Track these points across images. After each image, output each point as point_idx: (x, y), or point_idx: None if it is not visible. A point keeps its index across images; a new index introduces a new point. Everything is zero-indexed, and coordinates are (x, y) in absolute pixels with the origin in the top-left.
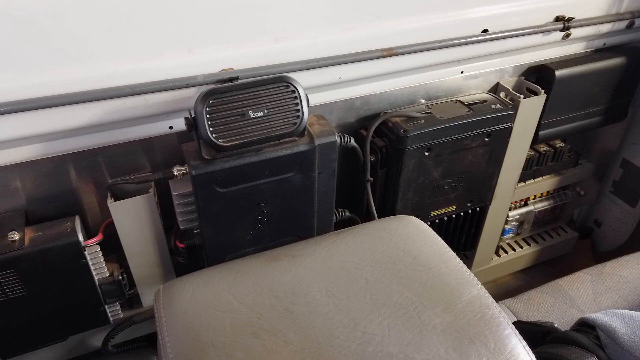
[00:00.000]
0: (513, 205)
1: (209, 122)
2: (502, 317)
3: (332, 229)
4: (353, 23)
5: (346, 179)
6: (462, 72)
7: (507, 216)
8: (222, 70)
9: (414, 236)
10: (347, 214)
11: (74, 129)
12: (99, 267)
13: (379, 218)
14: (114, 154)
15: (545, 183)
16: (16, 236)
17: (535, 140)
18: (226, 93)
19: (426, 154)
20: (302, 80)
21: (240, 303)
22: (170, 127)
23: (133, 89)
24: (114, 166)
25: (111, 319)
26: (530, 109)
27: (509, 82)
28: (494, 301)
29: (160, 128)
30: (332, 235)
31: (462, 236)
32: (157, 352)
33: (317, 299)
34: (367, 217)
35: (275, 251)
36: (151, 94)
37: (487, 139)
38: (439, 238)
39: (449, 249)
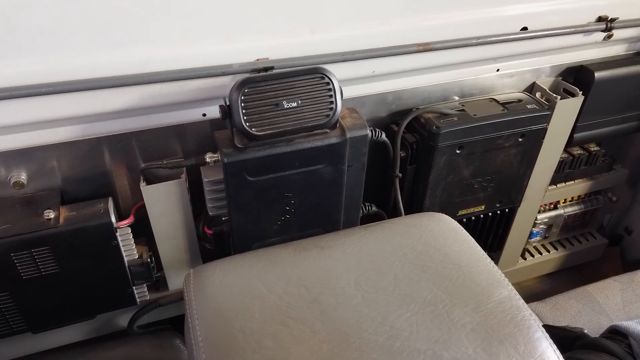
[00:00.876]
0: (542, 208)
1: (244, 111)
2: (533, 320)
3: (358, 223)
4: (390, 17)
5: (374, 174)
6: (497, 70)
7: (536, 219)
8: (257, 60)
9: (444, 234)
10: (374, 208)
11: (111, 112)
12: (129, 248)
13: (405, 214)
14: (147, 138)
15: (577, 187)
16: (52, 214)
17: (570, 142)
18: (261, 82)
19: (457, 151)
20: (336, 72)
21: (269, 291)
22: (204, 115)
23: (170, 75)
24: (147, 151)
25: (138, 300)
26: (567, 110)
27: (545, 82)
28: (524, 303)
29: (193, 115)
30: (361, 229)
31: (489, 237)
32: (180, 335)
33: (345, 291)
34: (394, 213)
35: (303, 242)
36: (187, 80)
37: (520, 139)
38: (470, 237)
39: (479, 248)
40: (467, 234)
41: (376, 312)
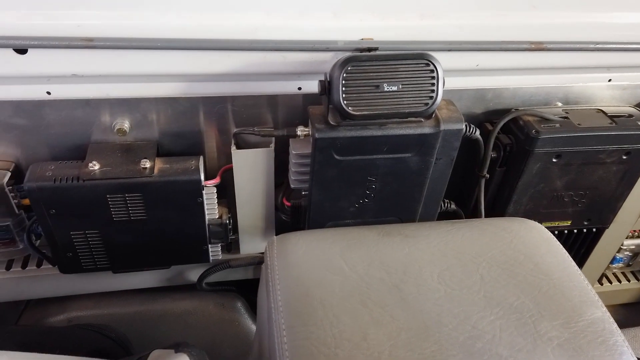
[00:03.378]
0: (631, 233)
1: (343, 88)
2: (626, 347)
3: (435, 219)
4: (506, 10)
5: (457, 170)
6: (609, 80)
7: (622, 244)
8: (362, 39)
9: (537, 242)
10: (452, 206)
11: (214, 74)
12: (212, 207)
13: (487, 217)
14: (242, 104)
15: None
16: (147, 164)
17: None
18: (365, 62)
19: (554, 160)
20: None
21: (351, 269)
22: (299, 88)
23: (277, 44)
24: (240, 116)
25: (211, 258)
26: None
27: None
28: (618, 328)
29: (289, 87)
30: (448, 224)
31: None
32: (242, 298)
33: (428, 282)
34: (473, 214)
35: (387, 227)
36: (291, 52)
37: (624, 157)
38: (564, 250)
39: (574, 263)
40: (561, 246)
41: (459, 309)
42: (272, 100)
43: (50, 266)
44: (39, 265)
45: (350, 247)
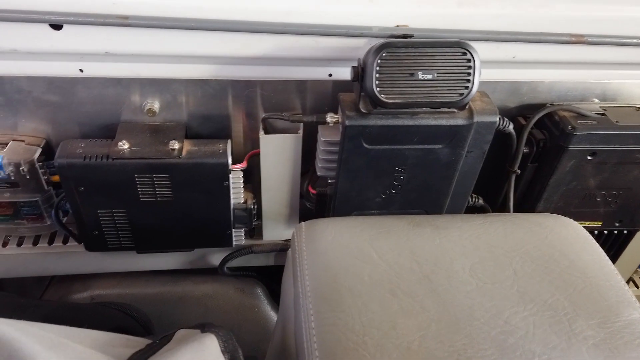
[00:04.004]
0: None
1: (377, 75)
2: None
3: (462, 212)
4: (548, 0)
5: (485, 164)
6: None
7: None
8: (397, 26)
9: (572, 239)
10: (480, 201)
11: (246, 57)
12: (237, 192)
13: (518, 212)
14: (272, 89)
15: None
16: (176, 145)
17: None
18: (401, 49)
19: (589, 158)
20: None
21: (380, 258)
22: (330, 75)
23: (310, 28)
24: (269, 101)
25: (234, 242)
26: None
27: None
28: None
29: (319, 73)
30: (480, 217)
31: None
32: (262, 284)
33: (459, 275)
34: (501, 210)
35: (417, 217)
36: (323, 37)
37: None
38: (600, 249)
39: (610, 262)
40: (597, 244)
41: (491, 303)
42: (301, 85)
43: (76, 243)
44: (65, 242)
45: (379, 235)
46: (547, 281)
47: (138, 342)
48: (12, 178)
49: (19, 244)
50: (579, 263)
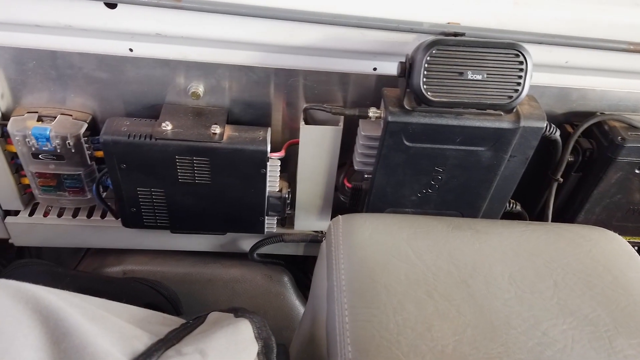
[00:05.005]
0: None
1: (425, 72)
2: None
3: (498, 218)
4: (607, 5)
5: (526, 170)
6: None
7: None
8: (448, 23)
9: (617, 254)
10: (518, 207)
11: (292, 46)
12: (273, 180)
13: (557, 222)
14: (315, 79)
15: None
16: (217, 130)
17: None
18: (452, 47)
19: (637, 171)
20: None
21: (418, 258)
22: (374, 69)
23: (359, 20)
24: (312, 91)
25: (265, 230)
26: None
27: None
28: None
29: (364, 67)
30: (521, 224)
31: None
32: (289, 273)
33: (498, 281)
34: (538, 218)
35: (456, 220)
36: (372, 30)
37: None
38: None
39: None
40: None
41: (529, 313)
42: (344, 78)
43: (113, 219)
44: (102, 216)
45: (417, 235)
46: (589, 295)
47: (173, 321)
48: (58, 151)
49: (59, 215)
50: (623, 279)
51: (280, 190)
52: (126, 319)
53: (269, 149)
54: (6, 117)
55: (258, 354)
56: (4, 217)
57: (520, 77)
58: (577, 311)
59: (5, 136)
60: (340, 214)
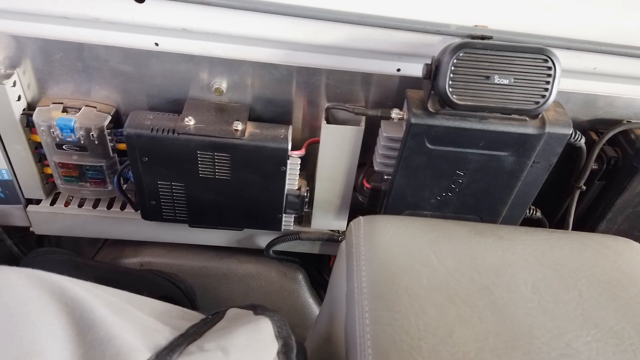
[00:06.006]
0: None
1: (451, 75)
2: None
3: (518, 224)
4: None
5: (548, 176)
6: None
7: None
8: (476, 26)
9: None
10: (538, 214)
11: (316, 45)
12: (293, 178)
13: (577, 230)
14: (338, 79)
15: None
16: (239, 126)
17: None
18: (479, 50)
19: None
20: None
21: (440, 263)
22: (398, 70)
23: (386, 21)
24: (334, 91)
25: (283, 227)
26: None
27: None
28: None
29: (388, 67)
30: (545, 232)
31: None
32: (304, 271)
33: (521, 290)
34: (558, 225)
35: (479, 225)
36: (398, 30)
37: None
38: None
39: None
40: None
41: (552, 323)
42: (367, 78)
43: (133, 211)
44: (122, 208)
45: (439, 240)
46: (614, 307)
47: (193, 316)
48: (82, 142)
49: (80, 205)
50: None
51: (299, 189)
52: (148, 312)
53: (289, 147)
54: (32, 107)
55: (278, 352)
56: (26, 206)
57: (548, 82)
58: (601, 323)
59: (30, 126)
60: (358, 215)
